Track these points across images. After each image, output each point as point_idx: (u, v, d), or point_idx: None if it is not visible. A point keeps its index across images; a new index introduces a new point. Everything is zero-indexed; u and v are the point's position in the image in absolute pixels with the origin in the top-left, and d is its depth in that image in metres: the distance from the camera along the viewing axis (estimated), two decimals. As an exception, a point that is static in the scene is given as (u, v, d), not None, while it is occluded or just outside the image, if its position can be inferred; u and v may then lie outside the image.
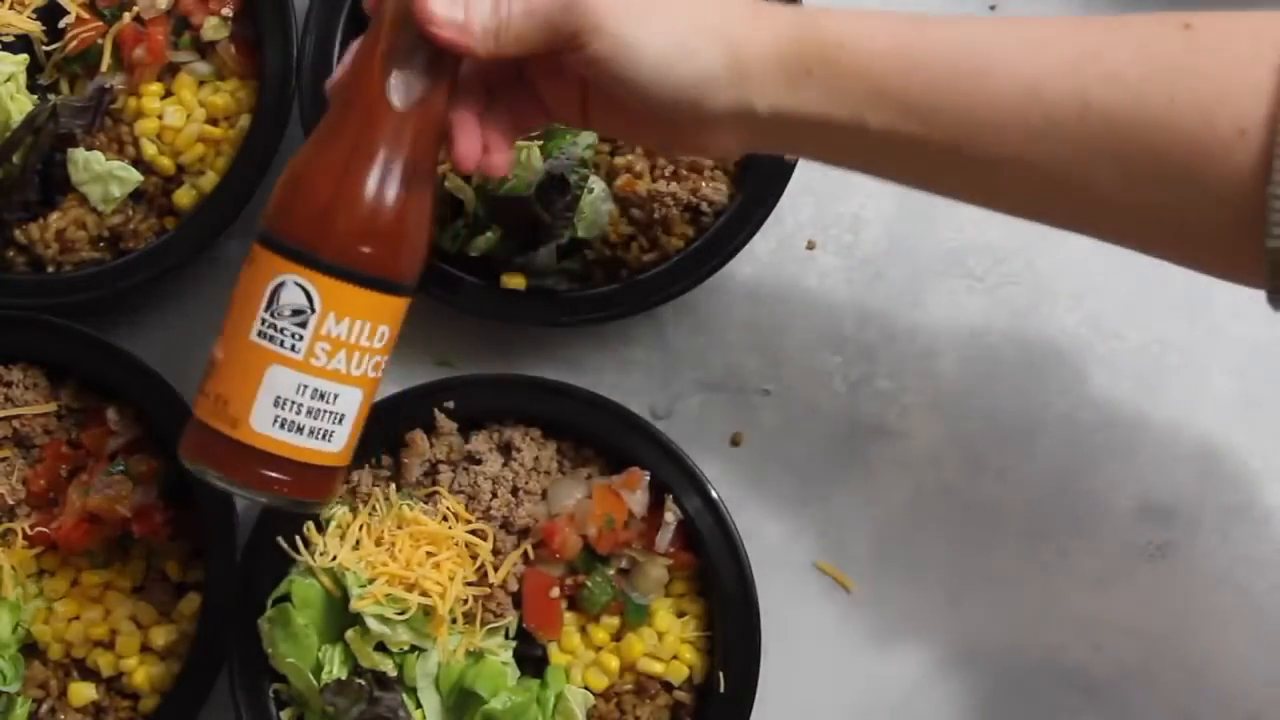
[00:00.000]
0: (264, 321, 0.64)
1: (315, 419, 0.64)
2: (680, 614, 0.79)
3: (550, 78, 0.66)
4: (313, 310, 0.63)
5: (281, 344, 0.64)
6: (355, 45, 0.65)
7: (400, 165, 0.63)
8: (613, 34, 0.60)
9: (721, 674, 0.76)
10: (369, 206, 0.63)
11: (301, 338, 0.63)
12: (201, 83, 0.84)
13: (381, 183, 0.63)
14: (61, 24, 0.83)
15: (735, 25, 0.61)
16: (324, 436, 0.65)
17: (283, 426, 0.64)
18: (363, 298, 0.64)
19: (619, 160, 0.82)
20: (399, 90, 0.62)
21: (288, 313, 0.63)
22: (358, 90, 0.63)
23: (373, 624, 0.74)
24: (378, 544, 0.76)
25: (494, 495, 0.77)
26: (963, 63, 0.60)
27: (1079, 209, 0.61)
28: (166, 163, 0.83)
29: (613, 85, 0.62)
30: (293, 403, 0.64)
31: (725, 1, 0.62)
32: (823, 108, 0.61)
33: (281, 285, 0.63)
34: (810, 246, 0.86)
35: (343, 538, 0.77)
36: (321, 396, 0.64)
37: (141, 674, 0.79)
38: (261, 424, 0.64)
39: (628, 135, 0.72)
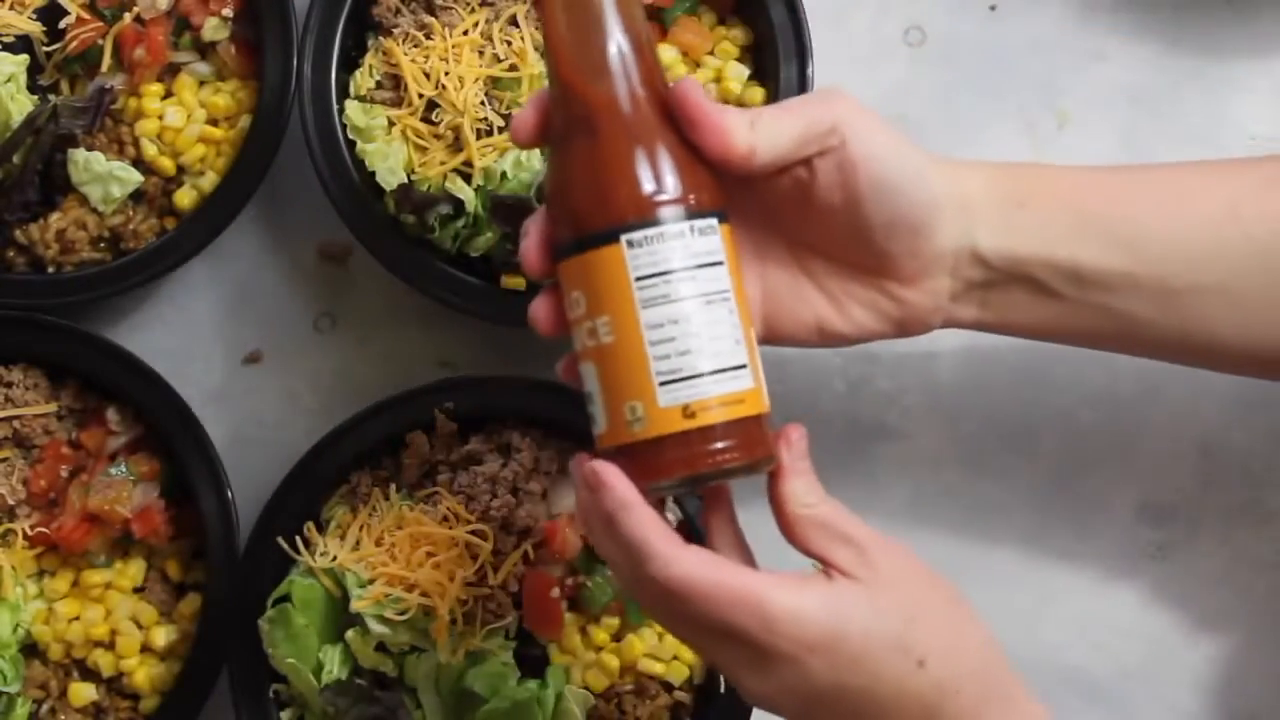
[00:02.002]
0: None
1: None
2: (680, 614, 0.79)
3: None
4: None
5: None
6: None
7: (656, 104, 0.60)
8: (867, 136, 0.60)
9: (722, 674, 0.76)
10: (674, 151, 0.59)
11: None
12: (202, 83, 0.84)
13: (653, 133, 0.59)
14: (62, 24, 0.83)
15: (943, 163, 0.64)
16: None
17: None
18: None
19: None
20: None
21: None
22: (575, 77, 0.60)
23: (373, 624, 0.74)
24: (378, 544, 0.76)
25: (494, 496, 0.77)
26: (1162, 188, 0.65)
27: None
28: (167, 163, 0.83)
29: (862, 196, 0.61)
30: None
31: (926, 151, 0.64)
32: (1039, 242, 0.63)
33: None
34: (810, 246, 0.86)
35: (343, 538, 0.77)
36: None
37: (142, 674, 0.79)
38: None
39: (828, 332, 0.67)
